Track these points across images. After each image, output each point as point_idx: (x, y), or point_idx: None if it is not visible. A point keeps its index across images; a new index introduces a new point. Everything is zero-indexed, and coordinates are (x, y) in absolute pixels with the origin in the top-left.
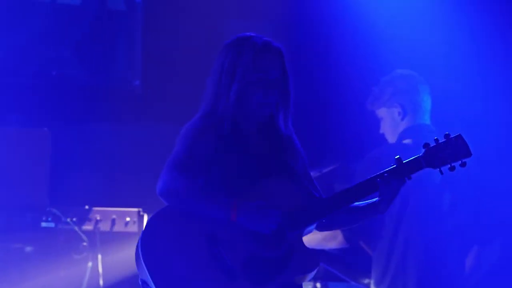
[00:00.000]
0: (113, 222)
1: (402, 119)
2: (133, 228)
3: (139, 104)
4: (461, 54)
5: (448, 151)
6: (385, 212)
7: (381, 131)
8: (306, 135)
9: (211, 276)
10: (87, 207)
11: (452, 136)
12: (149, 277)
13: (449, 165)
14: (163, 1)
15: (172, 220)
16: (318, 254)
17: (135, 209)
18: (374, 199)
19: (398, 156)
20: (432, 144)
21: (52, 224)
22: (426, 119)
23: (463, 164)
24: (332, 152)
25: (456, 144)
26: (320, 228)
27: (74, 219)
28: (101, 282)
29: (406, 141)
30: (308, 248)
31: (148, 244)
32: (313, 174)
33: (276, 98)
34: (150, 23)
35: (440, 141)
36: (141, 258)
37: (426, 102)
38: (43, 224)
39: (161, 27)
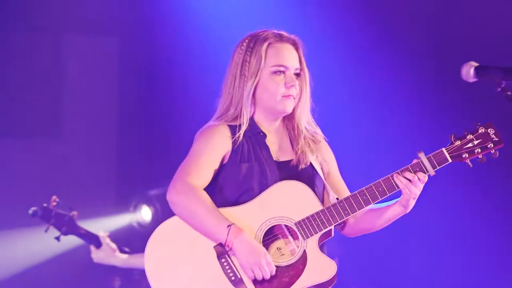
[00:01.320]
0: None
1: None
2: None
3: None
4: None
5: (476, 141)
6: (409, 210)
7: None
8: (152, 149)
9: (220, 287)
10: None
11: (481, 124)
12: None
13: (478, 157)
14: (2, 15)
15: (179, 229)
16: (333, 261)
17: None
18: (397, 199)
19: (421, 151)
20: (458, 134)
21: None
22: None
23: (494, 155)
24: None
25: (485, 133)
26: (347, 231)
27: None
28: None
29: None
30: (323, 255)
31: (154, 254)
32: (157, 191)
33: (296, 90)
34: None
35: (467, 131)
36: (146, 271)
37: None
38: None
39: (0, 42)
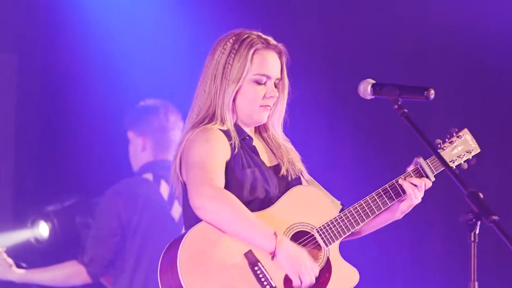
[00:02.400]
0: None
1: (142, 152)
2: None
3: None
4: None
5: (460, 147)
6: (401, 217)
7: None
8: (50, 165)
9: None
10: None
11: (460, 131)
12: None
13: (461, 162)
14: None
15: (207, 236)
16: (355, 268)
17: None
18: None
19: (420, 156)
20: (445, 142)
21: None
22: (169, 154)
23: (472, 160)
24: (74, 186)
25: (465, 139)
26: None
27: None
28: None
29: (146, 175)
30: (345, 262)
31: (187, 264)
32: (55, 207)
33: (274, 100)
34: None
35: (451, 138)
36: (182, 280)
37: (177, 137)
38: None
39: None
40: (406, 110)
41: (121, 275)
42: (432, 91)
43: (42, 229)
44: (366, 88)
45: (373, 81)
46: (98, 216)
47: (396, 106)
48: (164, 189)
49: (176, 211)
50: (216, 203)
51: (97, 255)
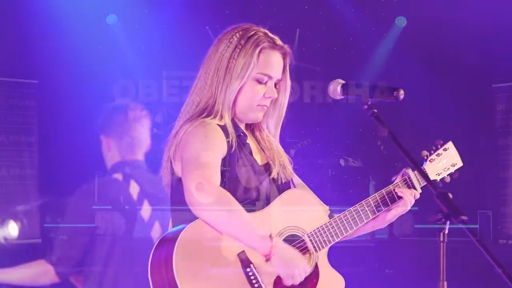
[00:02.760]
0: None
1: (108, 152)
2: None
3: None
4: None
5: (445, 160)
6: (385, 225)
7: None
8: (20, 164)
9: None
10: None
11: (445, 144)
12: None
13: (445, 175)
14: None
15: (201, 235)
16: (341, 276)
17: None
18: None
19: (409, 168)
20: (431, 154)
21: None
22: (138, 153)
23: (455, 174)
24: (44, 186)
25: (450, 153)
26: None
27: None
28: None
29: (116, 175)
30: (333, 269)
31: (183, 262)
32: (24, 207)
33: (272, 100)
34: None
35: (436, 151)
36: (177, 278)
37: (142, 135)
38: None
39: None
40: (375, 110)
41: (91, 275)
42: (402, 91)
43: (12, 229)
44: (335, 88)
45: (343, 81)
46: (67, 216)
47: (366, 106)
48: (134, 189)
49: (146, 211)
50: (213, 203)
51: (65, 254)
